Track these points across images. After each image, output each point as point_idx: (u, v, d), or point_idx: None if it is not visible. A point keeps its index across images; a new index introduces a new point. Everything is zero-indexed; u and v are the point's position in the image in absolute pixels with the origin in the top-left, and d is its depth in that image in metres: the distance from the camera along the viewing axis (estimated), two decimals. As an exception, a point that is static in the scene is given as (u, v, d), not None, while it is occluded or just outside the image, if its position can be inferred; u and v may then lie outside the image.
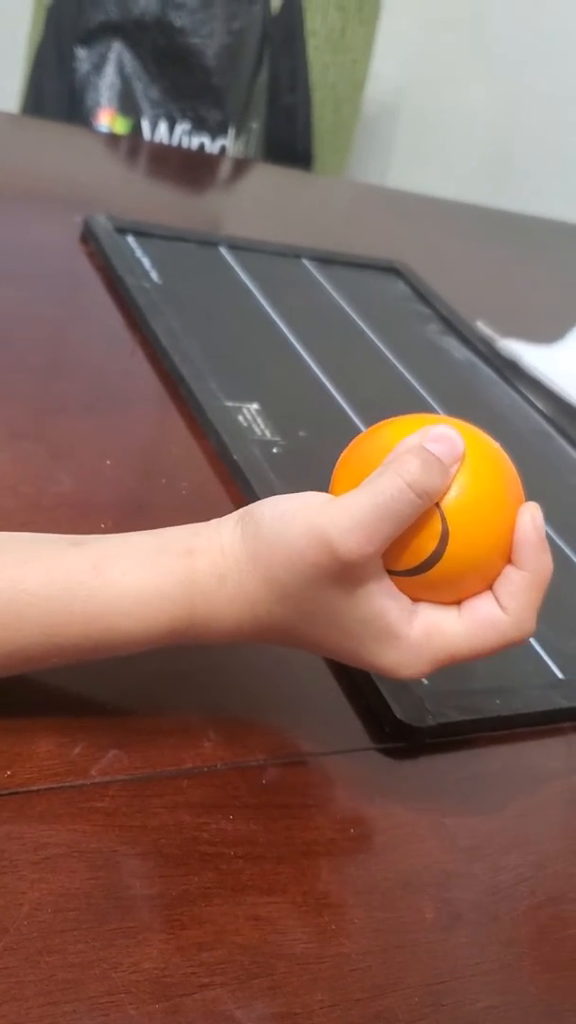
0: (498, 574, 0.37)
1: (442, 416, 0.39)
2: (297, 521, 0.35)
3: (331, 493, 0.38)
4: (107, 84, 1.27)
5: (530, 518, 0.37)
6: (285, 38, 1.36)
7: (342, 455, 0.39)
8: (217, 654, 0.41)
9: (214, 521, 0.38)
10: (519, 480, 0.38)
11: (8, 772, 0.35)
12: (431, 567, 0.36)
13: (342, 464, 0.39)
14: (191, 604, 0.36)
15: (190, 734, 0.39)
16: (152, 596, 0.36)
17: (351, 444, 0.39)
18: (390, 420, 0.39)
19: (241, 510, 0.38)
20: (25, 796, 0.34)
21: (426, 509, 0.35)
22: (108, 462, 0.53)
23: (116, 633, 0.36)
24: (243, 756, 0.39)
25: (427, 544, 0.36)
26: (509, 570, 0.37)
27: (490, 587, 0.37)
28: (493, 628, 0.37)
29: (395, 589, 0.36)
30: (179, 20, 1.24)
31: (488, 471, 0.37)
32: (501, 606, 0.37)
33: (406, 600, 0.36)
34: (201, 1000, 0.31)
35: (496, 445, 0.39)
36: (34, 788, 0.35)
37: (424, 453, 0.36)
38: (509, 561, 0.37)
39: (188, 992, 0.31)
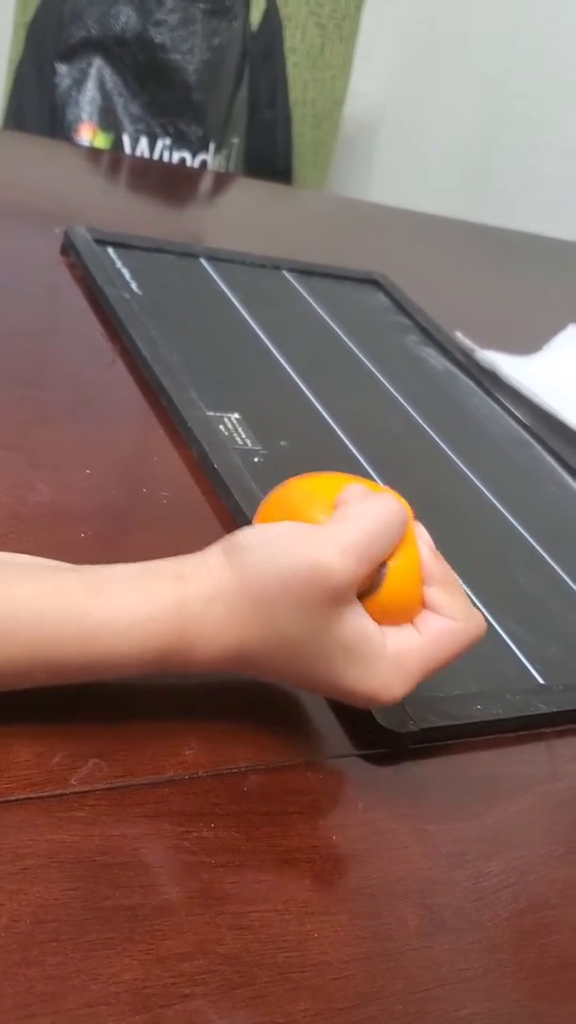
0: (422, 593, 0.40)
1: (348, 475, 0.43)
2: (286, 547, 0.37)
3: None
4: (88, 99, 1.27)
5: (424, 537, 0.41)
6: (265, 55, 1.37)
7: (264, 502, 0.42)
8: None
9: (198, 552, 0.39)
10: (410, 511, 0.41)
11: (-14, 782, 0.35)
12: (379, 586, 0.38)
13: (269, 507, 0.42)
14: (181, 627, 0.37)
15: (171, 742, 0.39)
16: (144, 619, 0.36)
17: (272, 492, 0.42)
18: (304, 475, 0.42)
19: (223, 541, 0.38)
20: (3, 806, 0.34)
21: None
22: (88, 471, 0.53)
23: (108, 654, 0.36)
24: (224, 764, 0.39)
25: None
26: (429, 590, 0.40)
27: (422, 604, 0.40)
28: (451, 634, 0.39)
29: (368, 616, 0.38)
30: (160, 37, 1.25)
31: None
32: (448, 618, 0.39)
33: (377, 625, 0.38)
34: (182, 1011, 0.30)
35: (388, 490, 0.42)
36: (12, 798, 0.34)
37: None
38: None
39: (169, 1003, 0.31)
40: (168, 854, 0.35)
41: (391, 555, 0.38)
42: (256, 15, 1.37)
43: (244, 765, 0.39)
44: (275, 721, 0.41)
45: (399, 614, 0.39)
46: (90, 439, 0.56)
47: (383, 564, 0.38)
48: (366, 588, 0.38)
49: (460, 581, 0.41)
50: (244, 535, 0.38)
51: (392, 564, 0.38)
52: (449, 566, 0.41)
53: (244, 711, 0.41)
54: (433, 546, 0.41)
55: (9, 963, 0.30)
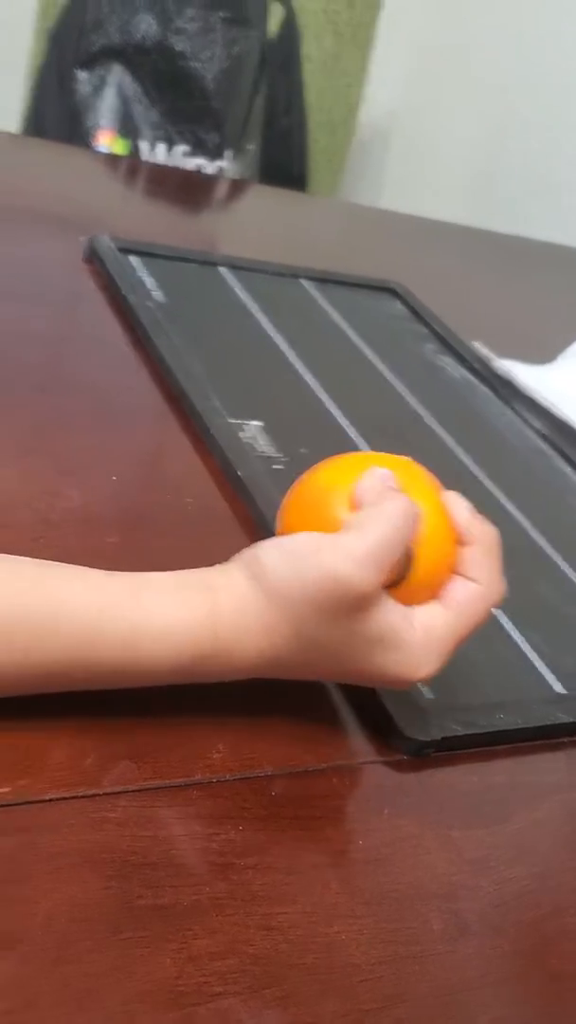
0: (454, 561, 0.41)
1: (370, 453, 0.44)
2: (309, 560, 0.38)
3: (284, 532, 0.41)
4: (107, 106, 1.28)
5: (460, 503, 0.41)
6: (282, 62, 1.38)
7: (286, 500, 0.43)
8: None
9: (224, 564, 0.40)
10: (437, 480, 0.43)
11: (21, 782, 0.35)
12: (406, 575, 0.39)
13: (290, 507, 0.43)
14: (214, 635, 0.37)
15: (199, 746, 0.39)
16: (179, 625, 0.37)
17: (293, 488, 0.43)
18: (325, 463, 0.43)
19: (247, 554, 0.39)
20: (38, 806, 0.35)
21: None
22: (114, 478, 0.54)
23: (144, 658, 0.37)
24: (251, 768, 0.39)
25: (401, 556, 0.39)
26: (463, 550, 0.41)
27: (452, 573, 0.41)
28: (473, 601, 0.40)
29: (393, 602, 0.39)
30: (179, 45, 1.26)
31: (424, 485, 0.42)
32: (471, 580, 0.40)
33: (403, 608, 0.39)
34: (214, 1009, 0.31)
35: (409, 459, 0.43)
36: (46, 798, 0.35)
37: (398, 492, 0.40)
38: (459, 544, 0.41)
39: (201, 1001, 0.31)
40: (198, 855, 0.36)
41: (415, 540, 0.39)
42: (274, 23, 1.38)
43: (270, 769, 0.40)
44: (301, 727, 0.42)
45: (427, 593, 0.40)
46: (115, 445, 0.57)
47: (408, 553, 0.39)
48: (392, 579, 0.39)
49: (499, 544, 0.42)
50: (265, 551, 0.39)
51: (417, 550, 0.39)
52: (492, 527, 0.42)
53: (271, 716, 0.42)
54: (472, 508, 0.41)
55: (46, 961, 0.31)
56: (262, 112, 1.38)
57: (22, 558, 0.38)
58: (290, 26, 1.38)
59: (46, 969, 0.30)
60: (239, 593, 0.38)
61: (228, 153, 1.33)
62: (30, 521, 0.48)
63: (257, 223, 1.09)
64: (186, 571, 0.39)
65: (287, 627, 0.38)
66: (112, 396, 0.62)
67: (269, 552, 0.39)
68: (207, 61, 1.28)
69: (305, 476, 0.43)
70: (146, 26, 1.27)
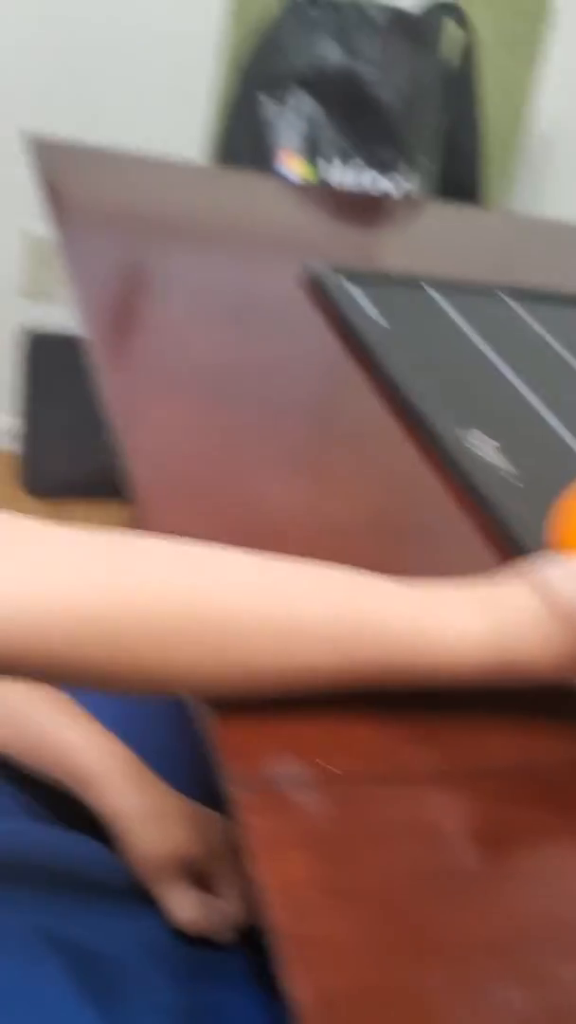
0: None
1: None
2: None
3: (562, 547, 0.44)
4: (293, 131, 1.35)
5: None
6: (460, 81, 1.42)
7: (561, 516, 0.46)
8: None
9: (506, 579, 0.44)
10: None
11: (353, 765, 0.41)
12: None
13: (568, 524, 0.46)
14: (501, 646, 0.42)
15: (484, 734, 0.44)
16: (470, 635, 0.42)
17: (566, 504, 0.46)
18: None
19: (529, 573, 0.44)
20: (366, 785, 0.40)
21: None
22: (367, 490, 0.59)
23: (438, 664, 0.42)
24: (532, 755, 0.44)
25: None
26: None
27: None
28: None
29: None
30: (363, 71, 1.32)
31: None
32: None
33: None
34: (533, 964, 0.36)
35: None
36: (373, 776, 0.41)
37: None
38: None
39: (524, 957, 0.36)
40: (495, 828, 0.40)
41: None
42: (453, 44, 1.42)
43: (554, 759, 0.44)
44: None
45: None
46: (360, 463, 0.63)
47: None
48: None
49: None
50: (544, 571, 0.43)
51: None
52: None
53: (550, 708, 0.46)
54: None
55: (386, 913, 0.36)
56: (441, 131, 1.42)
57: (332, 570, 0.43)
58: (470, 48, 1.42)
59: (396, 918, 0.36)
60: (524, 607, 0.42)
61: (408, 172, 1.38)
62: (298, 533, 0.54)
63: (445, 240, 1.13)
64: (473, 585, 0.44)
65: (569, 640, 0.42)
66: (349, 416, 0.68)
67: (551, 571, 0.43)
68: (389, 85, 1.33)
69: (573, 495, 0.47)
70: (331, 53, 1.33)
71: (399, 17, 1.35)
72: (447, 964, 0.35)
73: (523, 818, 0.41)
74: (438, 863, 0.38)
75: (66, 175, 0.99)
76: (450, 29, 1.39)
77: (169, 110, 1.67)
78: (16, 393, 1.89)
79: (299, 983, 0.32)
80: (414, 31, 1.32)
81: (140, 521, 0.52)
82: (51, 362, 1.88)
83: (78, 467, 1.76)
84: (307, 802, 0.38)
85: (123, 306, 0.76)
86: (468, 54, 1.43)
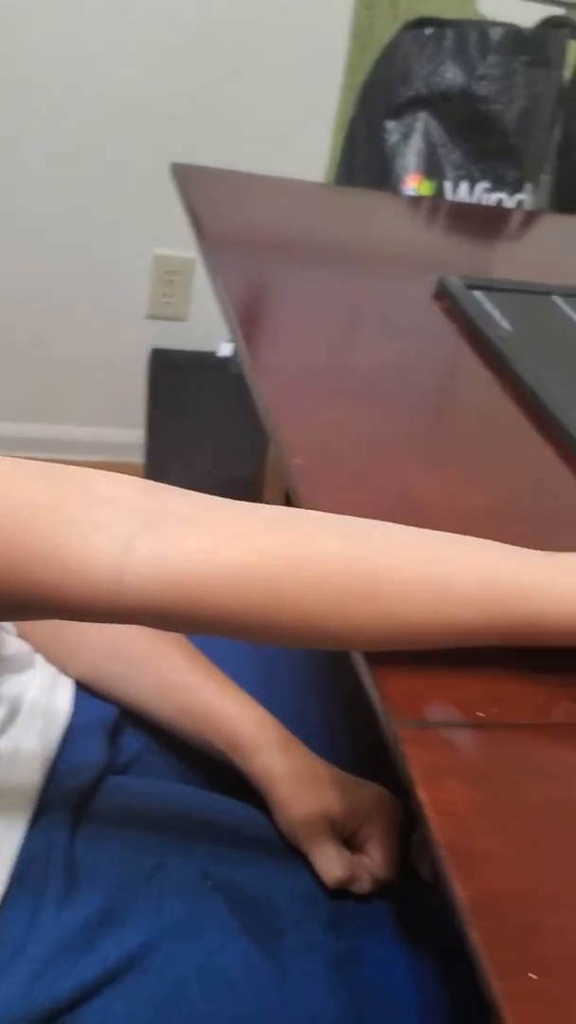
0: None
1: None
2: None
3: None
4: (414, 151, 1.41)
5: None
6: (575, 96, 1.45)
7: None
8: None
9: None
10: None
11: (494, 710, 0.46)
12: None
13: None
14: None
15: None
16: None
17: None
18: None
19: None
20: (509, 728, 0.45)
21: None
22: (506, 484, 0.64)
23: (566, 617, 0.46)
24: None
25: None
26: None
27: None
28: None
29: None
30: (482, 90, 1.36)
31: None
32: None
33: None
34: None
35: None
36: (515, 722, 0.45)
37: None
38: None
39: None
40: None
41: None
42: (571, 60, 1.46)
43: None
44: None
45: None
46: (500, 458, 0.68)
47: None
48: None
49: None
50: None
51: None
52: None
53: None
54: None
55: (544, 836, 0.41)
56: (557, 145, 1.46)
57: (476, 539, 0.49)
58: (585, 61, 1.45)
59: (541, 842, 0.40)
60: None
61: (527, 186, 1.42)
62: (447, 517, 0.59)
63: (567, 250, 1.17)
64: None
65: None
66: (484, 415, 0.73)
67: None
68: (508, 103, 1.37)
69: None
70: (451, 75, 1.39)
71: (514, 34, 1.39)
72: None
73: None
74: (580, 799, 0.43)
75: (206, 199, 1.07)
76: (568, 44, 1.43)
77: (295, 137, 1.75)
78: (143, 408, 2.00)
79: (460, 887, 0.38)
80: (530, 47, 1.36)
81: (287, 505, 0.58)
82: (172, 378, 1.99)
83: (197, 476, 1.85)
84: (461, 740, 0.44)
85: (268, 319, 0.83)
86: (585, 69, 1.47)
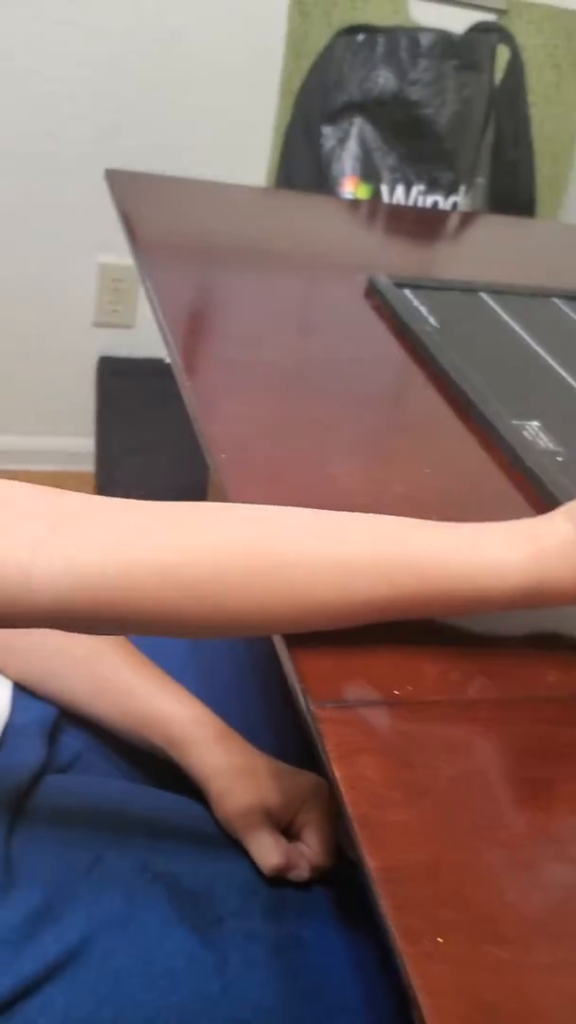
0: None
1: None
2: None
3: None
4: (350, 156, 1.43)
5: None
6: (509, 99, 1.48)
7: None
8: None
9: (545, 517, 0.50)
10: None
11: (408, 688, 0.47)
12: None
13: None
14: (540, 574, 0.48)
15: (535, 668, 0.50)
16: (513, 564, 0.47)
17: None
18: None
19: (564, 507, 0.49)
20: (422, 705, 0.46)
21: None
22: (427, 471, 0.65)
23: (486, 590, 0.47)
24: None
25: None
26: None
27: None
28: None
29: None
30: (415, 94, 1.39)
31: None
32: None
33: None
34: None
35: None
36: (427, 700, 0.47)
37: None
38: None
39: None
40: (547, 745, 0.46)
41: None
42: (500, 63, 1.49)
43: (591, 691, 0.49)
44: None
45: None
46: (419, 446, 0.69)
47: None
48: None
49: None
50: None
51: None
52: None
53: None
54: None
55: (449, 804, 0.42)
56: (491, 147, 1.49)
57: (382, 516, 0.50)
58: (515, 65, 1.48)
59: (449, 811, 0.42)
60: (561, 541, 0.48)
61: (461, 188, 1.45)
62: (369, 504, 0.60)
63: (498, 250, 1.19)
64: (514, 522, 0.50)
65: None
66: (408, 406, 0.75)
67: None
68: (440, 106, 1.40)
69: None
70: (384, 80, 1.41)
71: (445, 39, 1.42)
72: (505, 848, 0.40)
73: None
74: (497, 770, 0.44)
75: (141, 204, 1.08)
76: (497, 49, 1.46)
77: (233, 143, 1.77)
78: (92, 417, 2.00)
79: (372, 857, 0.39)
80: (460, 52, 1.39)
81: (221, 501, 0.59)
82: (121, 386, 1.99)
83: (147, 482, 1.85)
84: (377, 718, 0.45)
85: (200, 319, 0.84)
86: (514, 72, 1.50)
